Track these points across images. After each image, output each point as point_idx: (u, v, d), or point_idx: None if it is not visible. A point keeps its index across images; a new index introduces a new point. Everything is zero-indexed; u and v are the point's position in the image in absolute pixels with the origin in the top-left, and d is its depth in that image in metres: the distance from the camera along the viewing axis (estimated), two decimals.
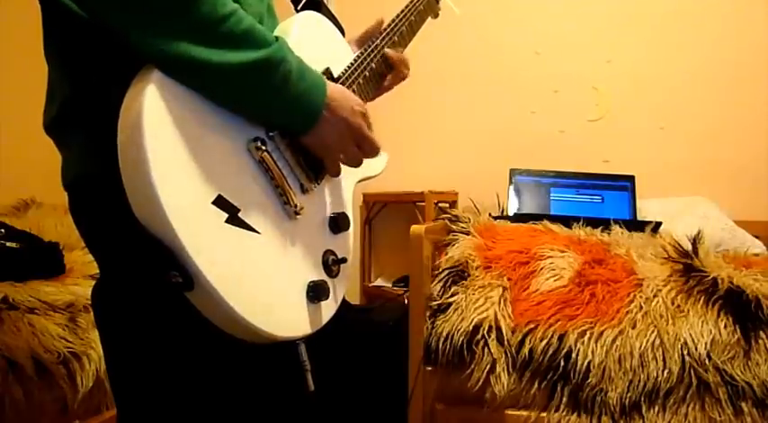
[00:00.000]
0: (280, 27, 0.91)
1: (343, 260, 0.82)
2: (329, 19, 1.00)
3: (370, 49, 1.01)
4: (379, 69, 1.02)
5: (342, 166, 0.87)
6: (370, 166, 0.97)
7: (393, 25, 1.08)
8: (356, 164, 0.86)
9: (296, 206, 0.76)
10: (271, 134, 0.76)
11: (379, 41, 1.03)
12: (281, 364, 0.77)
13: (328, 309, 0.79)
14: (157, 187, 0.60)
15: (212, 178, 0.67)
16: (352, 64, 0.96)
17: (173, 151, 0.64)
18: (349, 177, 0.92)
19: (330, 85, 0.80)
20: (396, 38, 1.07)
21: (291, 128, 0.78)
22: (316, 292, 0.75)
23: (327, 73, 0.90)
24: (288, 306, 0.73)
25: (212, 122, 0.70)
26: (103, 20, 0.67)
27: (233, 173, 0.70)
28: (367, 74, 0.97)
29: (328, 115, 0.78)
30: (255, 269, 0.69)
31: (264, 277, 0.70)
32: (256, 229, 0.70)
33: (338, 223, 0.83)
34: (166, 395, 0.78)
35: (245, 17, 0.71)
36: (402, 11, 1.12)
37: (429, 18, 1.23)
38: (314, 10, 0.99)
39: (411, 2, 1.15)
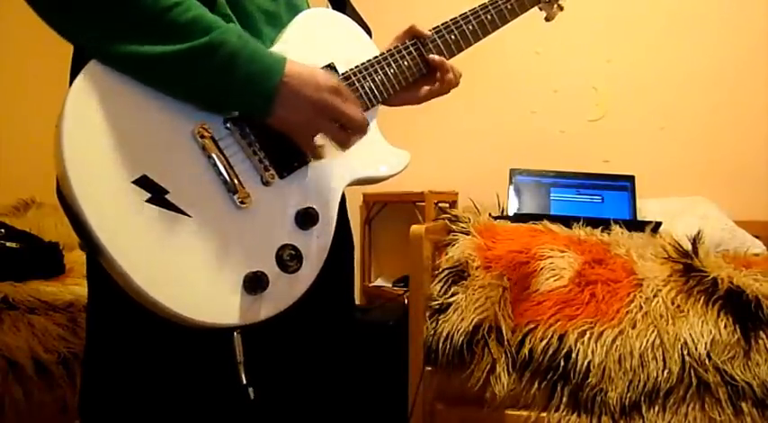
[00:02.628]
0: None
1: (300, 256, 0.79)
2: (354, 18, 0.99)
3: (401, 49, 0.98)
4: (410, 71, 0.98)
5: (333, 161, 0.85)
6: (369, 166, 0.93)
7: (442, 28, 1.03)
8: (342, 142, 0.82)
9: (241, 195, 0.75)
10: (227, 125, 0.77)
11: (416, 42, 1.00)
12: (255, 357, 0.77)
13: (273, 304, 0.76)
14: (66, 155, 0.65)
15: (140, 159, 0.70)
16: (369, 60, 0.94)
17: (93, 128, 0.68)
18: (339, 175, 0.88)
19: (292, 66, 0.77)
20: (439, 43, 1.02)
21: (249, 112, 0.77)
22: (252, 284, 0.74)
23: (329, 68, 0.89)
24: (214, 292, 0.72)
25: (157, 107, 0.73)
26: (44, 18, 0.70)
27: (170, 157, 0.72)
28: (390, 72, 0.95)
29: (288, 94, 0.76)
30: (177, 250, 0.70)
31: (187, 259, 0.71)
32: (187, 212, 0.71)
33: (304, 219, 0.81)
34: (119, 352, 0.83)
35: (194, 7, 0.72)
36: (460, 16, 1.05)
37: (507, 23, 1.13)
38: (339, 9, 0.98)
39: (482, 7, 1.08)
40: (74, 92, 0.69)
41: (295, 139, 0.81)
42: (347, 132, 0.82)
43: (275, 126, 0.79)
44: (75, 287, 1.67)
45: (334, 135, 0.82)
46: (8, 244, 1.72)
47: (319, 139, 0.82)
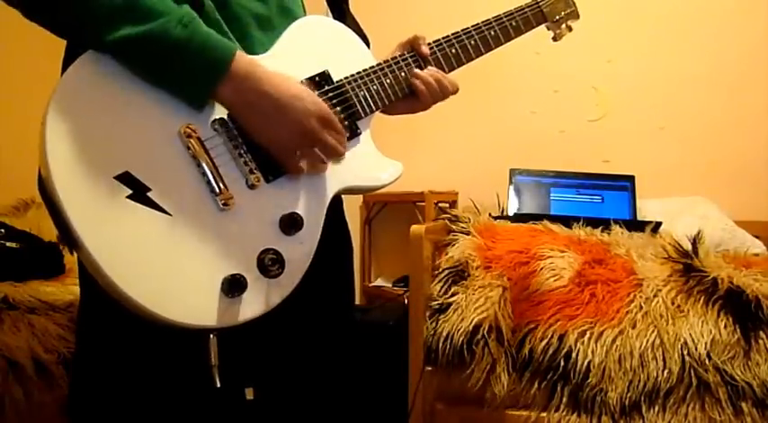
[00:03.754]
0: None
1: (281, 261, 0.78)
2: (353, 28, 0.98)
3: (399, 59, 0.97)
4: (407, 82, 0.97)
5: (322, 170, 0.85)
6: (360, 176, 0.92)
7: (443, 42, 1.02)
8: (318, 167, 0.83)
9: (224, 197, 0.75)
10: (215, 126, 0.77)
11: (414, 53, 0.99)
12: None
13: (251, 307, 0.75)
14: (48, 146, 0.66)
15: (124, 155, 0.70)
16: (366, 70, 0.93)
17: (77, 122, 0.68)
18: (328, 183, 0.87)
19: (243, 63, 0.76)
20: (439, 56, 1.01)
21: (188, 103, 0.76)
22: (230, 286, 0.73)
23: (323, 75, 0.89)
24: (190, 292, 0.72)
25: (144, 104, 0.73)
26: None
27: (155, 154, 0.73)
28: (386, 82, 0.94)
29: (233, 92, 0.75)
30: (155, 248, 0.70)
31: (165, 258, 0.71)
32: (168, 210, 0.71)
33: (288, 224, 0.80)
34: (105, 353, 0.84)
35: None
36: (462, 30, 1.05)
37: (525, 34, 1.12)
38: (339, 18, 0.98)
39: (485, 23, 1.07)
40: (61, 86, 0.69)
41: (277, 158, 0.80)
42: (324, 160, 0.84)
43: (261, 142, 0.79)
44: (75, 287, 1.67)
45: (314, 159, 0.83)
46: (8, 244, 1.72)
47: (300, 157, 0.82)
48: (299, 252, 0.81)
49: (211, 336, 0.73)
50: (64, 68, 0.79)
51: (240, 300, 0.74)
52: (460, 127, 2.65)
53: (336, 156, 0.84)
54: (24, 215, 2.30)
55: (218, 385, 0.73)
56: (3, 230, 1.80)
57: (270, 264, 0.77)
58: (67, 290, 1.65)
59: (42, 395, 1.45)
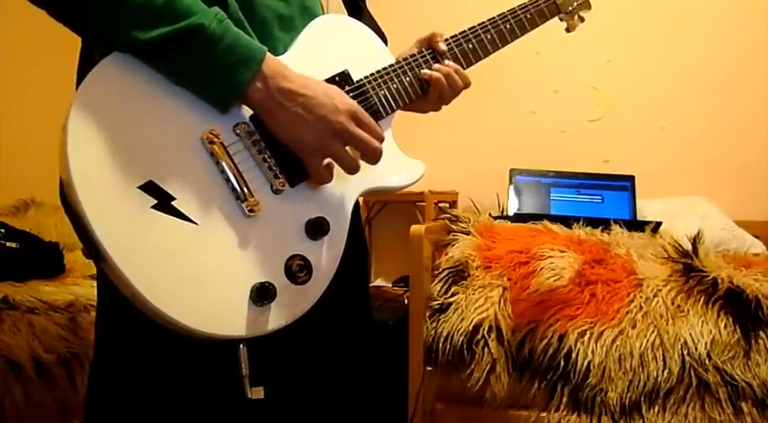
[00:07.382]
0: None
1: (309, 267, 0.76)
2: (370, 26, 0.97)
3: (418, 57, 0.96)
4: (421, 81, 0.96)
5: (341, 173, 0.82)
6: (384, 176, 0.89)
7: (460, 37, 1.01)
8: (351, 167, 0.79)
9: (250, 203, 0.74)
10: (237, 130, 0.75)
11: (432, 50, 0.98)
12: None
13: (280, 315, 0.74)
14: (71, 158, 0.65)
15: (147, 164, 0.69)
16: (385, 68, 0.92)
17: (99, 132, 0.67)
18: (352, 184, 0.85)
19: (273, 64, 0.75)
20: (456, 52, 1.00)
21: (215, 104, 0.74)
22: (259, 295, 0.71)
23: (343, 75, 0.88)
24: (219, 302, 0.71)
25: (165, 111, 0.72)
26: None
27: (178, 162, 0.71)
28: (406, 80, 0.93)
29: (263, 92, 0.74)
30: (182, 258, 0.69)
31: (193, 268, 0.70)
32: (193, 219, 0.70)
33: (314, 228, 0.78)
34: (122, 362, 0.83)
35: None
36: (478, 25, 1.03)
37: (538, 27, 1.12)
38: (356, 16, 0.97)
39: (501, 16, 1.06)
40: (80, 95, 0.67)
41: (303, 160, 0.78)
42: (357, 158, 0.80)
43: (288, 143, 0.77)
44: (75, 287, 1.67)
45: (345, 160, 0.79)
46: (8, 244, 1.72)
47: (326, 162, 0.79)
48: (326, 257, 0.79)
49: (241, 346, 0.72)
50: (79, 73, 0.79)
51: (269, 308, 0.73)
52: (460, 127, 2.65)
53: (372, 151, 0.80)
54: (24, 215, 2.30)
55: (250, 396, 0.72)
56: (3, 230, 1.80)
57: (297, 270, 0.75)
58: (67, 290, 1.65)
59: (42, 395, 1.45)
